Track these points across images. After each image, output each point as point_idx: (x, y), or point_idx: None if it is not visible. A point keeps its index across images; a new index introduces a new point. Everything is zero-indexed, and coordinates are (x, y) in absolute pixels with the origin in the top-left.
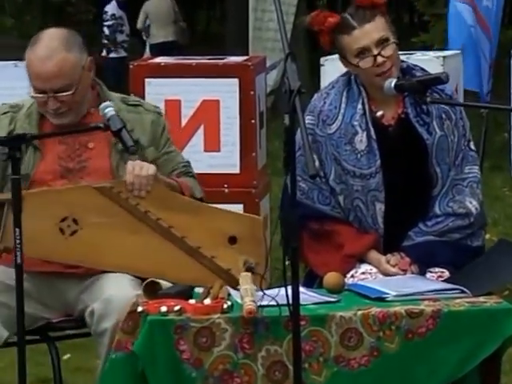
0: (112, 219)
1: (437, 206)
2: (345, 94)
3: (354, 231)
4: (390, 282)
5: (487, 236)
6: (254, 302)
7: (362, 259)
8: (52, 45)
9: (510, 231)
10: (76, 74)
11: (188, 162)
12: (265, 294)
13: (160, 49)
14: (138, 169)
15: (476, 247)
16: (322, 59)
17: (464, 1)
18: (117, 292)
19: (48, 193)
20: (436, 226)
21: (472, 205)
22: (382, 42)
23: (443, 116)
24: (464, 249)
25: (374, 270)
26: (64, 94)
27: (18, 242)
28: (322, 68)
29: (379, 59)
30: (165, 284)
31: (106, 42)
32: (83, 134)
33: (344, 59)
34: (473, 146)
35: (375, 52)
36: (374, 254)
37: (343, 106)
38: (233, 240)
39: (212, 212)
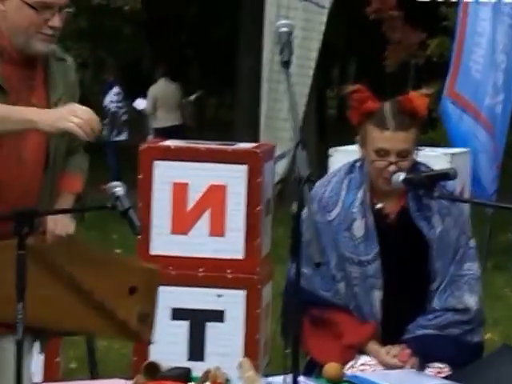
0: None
1: (435, 301)
2: (345, 181)
3: (354, 321)
4: (389, 375)
5: (488, 335)
6: None
7: (361, 350)
8: None
9: (511, 331)
10: None
11: None
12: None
13: (166, 132)
14: (60, 229)
15: (475, 343)
16: (331, 150)
17: (456, 103)
18: None
19: None
20: (435, 320)
21: (471, 301)
22: (404, 155)
23: (444, 211)
24: (463, 344)
25: (373, 361)
26: (67, 10)
27: (20, 316)
28: (330, 159)
29: (392, 168)
30: (164, 366)
31: (106, 123)
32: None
33: (363, 144)
34: (472, 244)
35: (393, 160)
36: (372, 345)
37: (343, 193)
38: (133, 290)
39: (117, 263)
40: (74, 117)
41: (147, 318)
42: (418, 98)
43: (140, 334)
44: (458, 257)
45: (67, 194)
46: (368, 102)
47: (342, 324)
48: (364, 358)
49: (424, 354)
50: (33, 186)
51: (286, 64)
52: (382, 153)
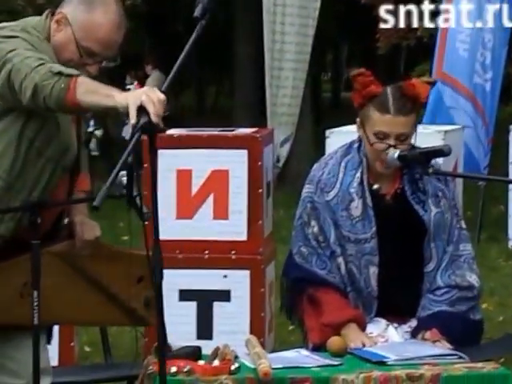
0: (58, 277)
1: (439, 279)
2: (343, 163)
3: (340, 302)
4: (390, 346)
5: (484, 305)
6: (268, 364)
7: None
8: (121, 13)
9: (507, 301)
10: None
11: None
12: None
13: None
14: (87, 234)
15: (478, 320)
16: (328, 131)
17: (446, 82)
18: None
19: (11, 263)
20: (445, 296)
21: (472, 278)
22: (402, 138)
23: (439, 194)
24: (469, 321)
25: (375, 333)
26: (108, 63)
27: (35, 304)
28: (327, 140)
29: (391, 150)
30: (174, 345)
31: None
32: None
33: (362, 126)
34: (464, 225)
35: (392, 143)
36: (352, 327)
37: (341, 175)
38: (140, 279)
39: (126, 256)
40: (146, 95)
41: (151, 302)
42: (421, 84)
43: (146, 318)
44: (454, 238)
45: (80, 193)
46: (371, 86)
47: (326, 303)
48: (367, 330)
49: (441, 331)
50: (61, 190)
51: (197, 19)
52: (382, 136)
